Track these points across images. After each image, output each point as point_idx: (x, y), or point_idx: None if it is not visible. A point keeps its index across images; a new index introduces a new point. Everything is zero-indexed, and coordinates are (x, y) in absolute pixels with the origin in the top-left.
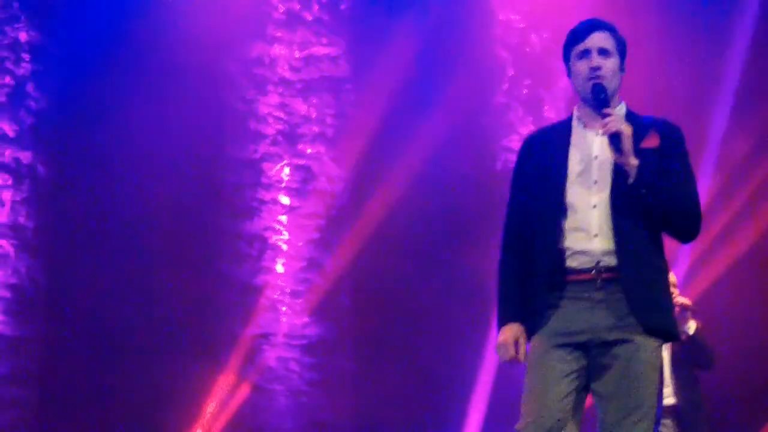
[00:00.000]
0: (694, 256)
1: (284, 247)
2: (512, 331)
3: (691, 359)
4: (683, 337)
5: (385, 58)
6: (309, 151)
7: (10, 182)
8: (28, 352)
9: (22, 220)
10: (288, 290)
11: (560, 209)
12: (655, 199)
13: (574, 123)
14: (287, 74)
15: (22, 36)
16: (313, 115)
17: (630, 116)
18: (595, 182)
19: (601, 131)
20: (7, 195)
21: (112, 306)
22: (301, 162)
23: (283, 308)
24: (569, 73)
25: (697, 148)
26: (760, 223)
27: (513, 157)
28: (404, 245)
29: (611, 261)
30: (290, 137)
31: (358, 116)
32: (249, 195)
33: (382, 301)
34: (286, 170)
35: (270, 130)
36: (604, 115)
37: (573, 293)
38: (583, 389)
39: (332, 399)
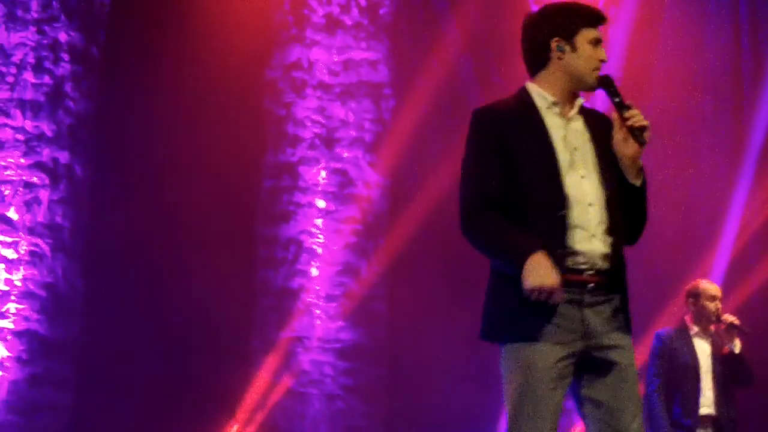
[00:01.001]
0: (734, 266)
1: (320, 251)
2: (547, 262)
3: (733, 376)
4: (726, 350)
5: (425, 63)
6: (346, 155)
7: (47, 182)
8: (63, 352)
9: (59, 219)
10: (323, 294)
11: (562, 203)
12: (643, 205)
13: (541, 105)
14: (326, 78)
15: (62, 36)
16: (351, 120)
17: (584, 109)
18: (582, 177)
19: (627, 122)
20: (45, 194)
21: (147, 308)
22: (339, 166)
23: (318, 312)
24: (560, 49)
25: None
26: None
27: None
28: (441, 254)
29: (603, 264)
30: (328, 141)
31: (397, 121)
32: (286, 198)
33: (416, 308)
34: (323, 174)
35: (308, 134)
36: (623, 107)
37: (567, 295)
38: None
39: (366, 404)
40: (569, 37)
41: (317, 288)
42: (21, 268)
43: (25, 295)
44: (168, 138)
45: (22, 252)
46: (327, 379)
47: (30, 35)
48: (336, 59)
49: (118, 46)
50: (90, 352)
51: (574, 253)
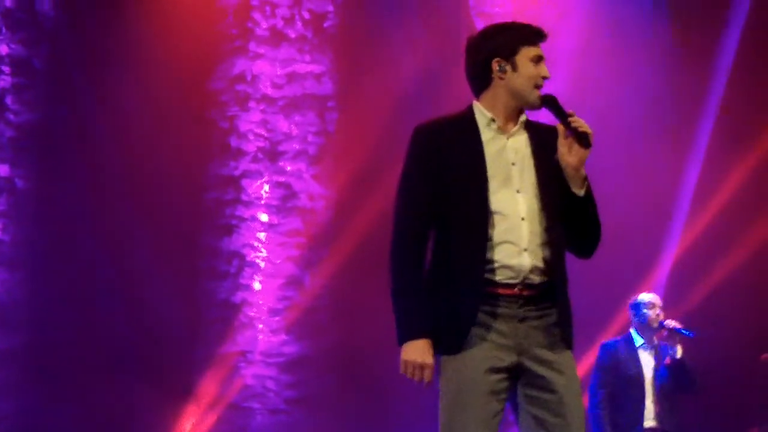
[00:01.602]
0: (677, 277)
1: (263, 264)
2: (428, 346)
3: (676, 384)
4: (667, 360)
5: (369, 76)
6: (290, 168)
7: None
8: (5, 363)
9: None
10: (266, 308)
11: (486, 219)
12: (592, 212)
13: (481, 123)
14: (269, 91)
15: (3, 49)
16: (295, 133)
17: (531, 124)
18: (518, 191)
19: (572, 125)
20: None
21: (90, 321)
22: (282, 179)
23: (261, 326)
24: (501, 69)
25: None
26: (747, 243)
27: None
28: (384, 264)
29: (535, 278)
30: (271, 154)
31: (340, 134)
32: (228, 211)
33: (360, 319)
34: (266, 187)
35: (251, 147)
36: (568, 115)
37: (497, 309)
38: (503, 404)
39: (310, 417)
40: (509, 56)
41: (260, 301)
42: None
43: None
44: (111, 150)
45: None
46: (270, 393)
47: None
48: (280, 72)
49: (62, 57)
50: (33, 363)
51: (505, 268)
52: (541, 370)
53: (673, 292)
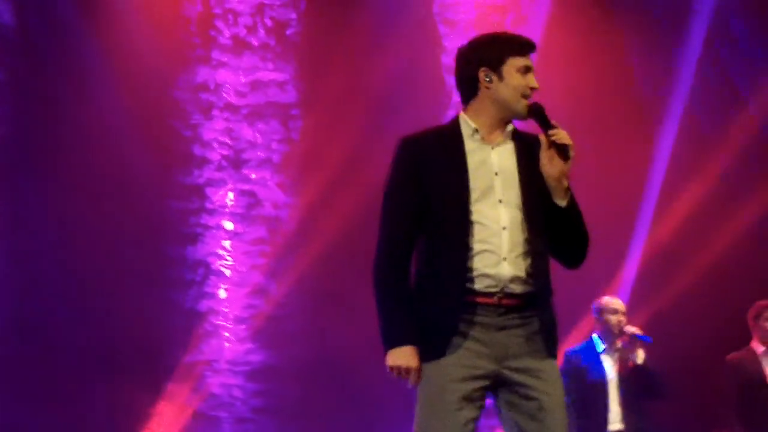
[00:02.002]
0: (638, 281)
1: (228, 272)
2: (414, 352)
3: (640, 388)
4: (630, 365)
5: (332, 84)
6: (254, 176)
7: None
8: None
9: None
10: (232, 316)
11: (467, 228)
12: (577, 223)
13: (466, 134)
14: (233, 99)
15: None
16: (259, 141)
17: (518, 134)
18: (500, 201)
19: (553, 139)
20: None
21: (54, 332)
22: (246, 187)
23: (227, 334)
24: (488, 78)
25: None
26: (712, 246)
27: None
28: (349, 272)
29: (516, 287)
30: (235, 162)
31: (304, 142)
32: (193, 220)
33: (326, 327)
34: (231, 195)
35: (215, 156)
36: (551, 127)
37: (477, 317)
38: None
39: (277, 426)
40: (496, 66)
41: (226, 310)
42: None
43: None
44: (75, 160)
45: None
46: (237, 402)
47: None
48: (243, 80)
49: (23, 69)
50: None
51: (484, 276)
52: (520, 378)
53: (639, 295)
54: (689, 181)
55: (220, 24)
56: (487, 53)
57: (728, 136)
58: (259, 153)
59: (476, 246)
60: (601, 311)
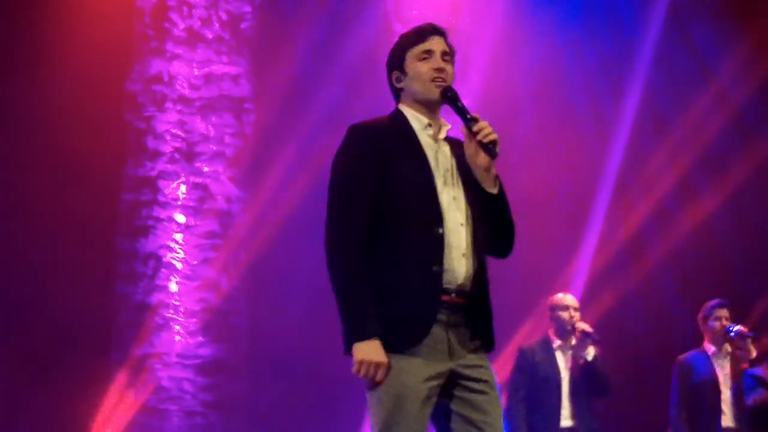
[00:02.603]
0: (593, 276)
1: (179, 265)
2: (380, 346)
3: (588, 385)
4: (581, 362)
5: (286, 78)
6: (206, 169)
7: None
8: None
9: None
10: (182, 309)
11: (438, 223)
12: (506, 211)
13: (417, 127)
14: (186, 92)
15: None
16: (212, 134)
17: (447, 137)
18: (454, 198)
19: (477, 137)
20: None
21: (3, 323)
22: (199, 180)
23: (178, 328)
24: (397, 80)
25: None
26: (658, 247)
27: None
28: (300, 266)
29: (467, 284)
30: (188, 155)
31: (257, 136)
32: (145, 212)
33: (276, 321)
34: (183, 188)
35: (168, 148)
36: (470, 120)
37: (439, 315)
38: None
39: (226, 420)
40: (400, 65)
41: (176, 303)
42: None
43: None
44: (26, 149)
45: None
46: (186, 396)
47: None
48: (197, 73)
49: None
50: None
51: (448, 271)
52: (471, 373)
53: (592, 291)
54: (645, 172)
55: (174, 16)
56: (392, 57)
57: (684, 122)
58: (212, 146)
59: (446, 241)
60: (554, 308)
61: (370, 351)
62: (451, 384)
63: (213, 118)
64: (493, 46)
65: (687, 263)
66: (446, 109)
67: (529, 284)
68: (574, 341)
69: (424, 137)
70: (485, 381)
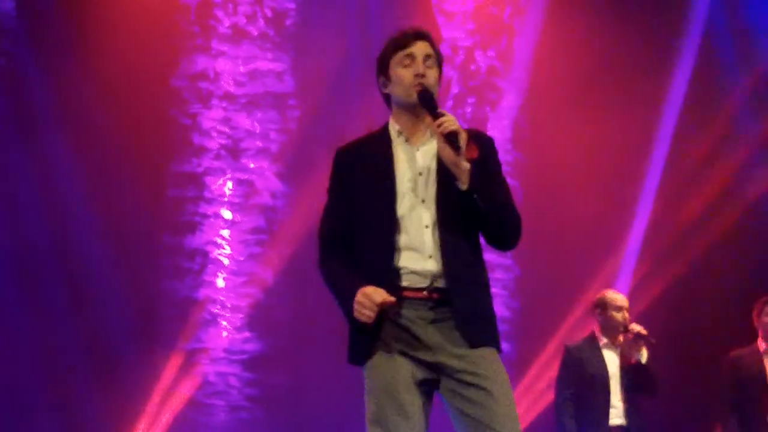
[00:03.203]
0: (638, 274)
1: (225, 261)
2: (366, 287)
3: (638, 386)
4: (632, 362)
5: (331, 74)
6: (252, 165)
7: None
8: None
9: None
10: (229, 305)
11: (393, 228)
12: (487, 205)
13: (393, 136)
14: (231, 89)
15: None
16: (257, 130)
17: None
18: (423, 201)
19: (438, 131)
20: None
21: (50, 318)
22: (244, 176)
23: (224, 323)
24: (383, 85)
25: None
26: (709, 239)
27: None
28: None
29: (442, 282)
30: (233, 151)
31: (302, 131)
32: (191, 209)
33: (323, 317)
34: (229, 184)
35: (213, 144)
36: (437, 116)
37: (410, 312)
38: (429, 400)
39: (271, 415)
40: (385, 71)
41: (223, 299)
42: None
43: None
44: (72, 147)
45: None
46: (232, 391)
47: None
48: (242, 69)
49: (22, 55)
50: None
51: (411, 273)
52: (460, 365)
53: (635, 288)
54: (691, 159)
55: (219, 13)
56: (378, 63)
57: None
58: (257, 142)
59: (402, 244)
60: (605, 307)
61: (366, 298)
62: (445, 378)
63: (258, 114)
64: (535, 41)
65: (740, 254)
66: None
67: (572, 280)
68: (621, 340)
69: (399, 145)
70: (478, 372)
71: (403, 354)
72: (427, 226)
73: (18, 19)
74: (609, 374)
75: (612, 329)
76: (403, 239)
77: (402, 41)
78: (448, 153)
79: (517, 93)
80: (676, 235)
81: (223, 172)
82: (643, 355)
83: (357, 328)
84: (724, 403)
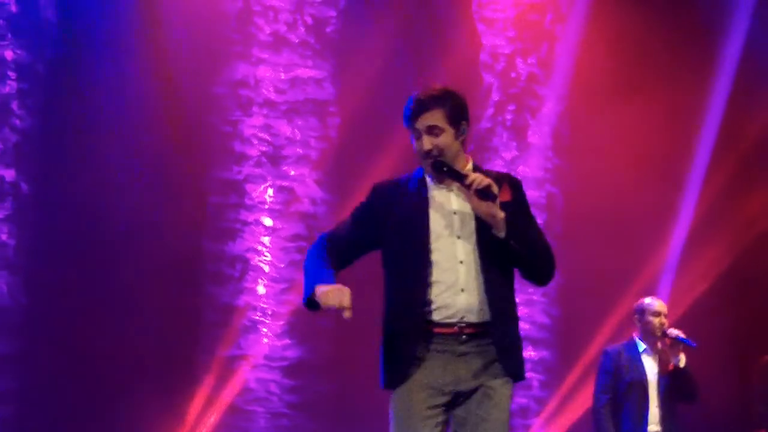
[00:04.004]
0: (679, 280)
1: (266, 268)
2: (325, 285)
3: (677, 391)
4: (670, 367)
5: (370, 81)
6: (292, 172)
7: None
8: (7, 370)
9: (4, 237)
10: (269, 312)
11: (425, 264)
12: (524, 249)
13: (428, 178)
14: (272, 96)
15: (8, 54)
16: (297, 137)
17: (478, 171)
18: (458, 237)
19: (472, 188)
20: None
21: (92, 324)
22: (285, 183)
23: (264, 330)
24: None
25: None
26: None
27: None
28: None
29: (473, 317)
30: (274, 159)
31: (342, 139)
32: (232, 216)
33: (361, 322)
34: (270, 191)
35: (254, 152)
36: (462, 179)
37: (436, 345)
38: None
39: (311, 421)
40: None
41: (263, 305)
42: None
43: None
44: (114, 154)
45: None
46: (273, 397)
47: None
48: (282, 77)
49: (63, 62)
50: (33, 368)
51: (443, 308)
52: (474, 395)
53: (676, 294)
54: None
55: (260, 21)
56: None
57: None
58: (297, 149)
59: (434, 280)
60: (643, 312)
61: (324, 287)
62: (458, 407)
63: (298, 122)
64: (576, 48)
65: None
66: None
67: (612, 286)
68: (659, 345)
69: (434, 188)
70: (485, 402)
71: (428, 387)
72: (461, 262)
73: (59, 27)
74: (648, 380)
75: (650, 335)
76: (435, 274)
77: (406, 118)
78: (483, 206)
79: (558, 100)
80: (718, 240)
81: (264, 180)
82: (682, 359)
83: (388, 355)
84: (764, 405)
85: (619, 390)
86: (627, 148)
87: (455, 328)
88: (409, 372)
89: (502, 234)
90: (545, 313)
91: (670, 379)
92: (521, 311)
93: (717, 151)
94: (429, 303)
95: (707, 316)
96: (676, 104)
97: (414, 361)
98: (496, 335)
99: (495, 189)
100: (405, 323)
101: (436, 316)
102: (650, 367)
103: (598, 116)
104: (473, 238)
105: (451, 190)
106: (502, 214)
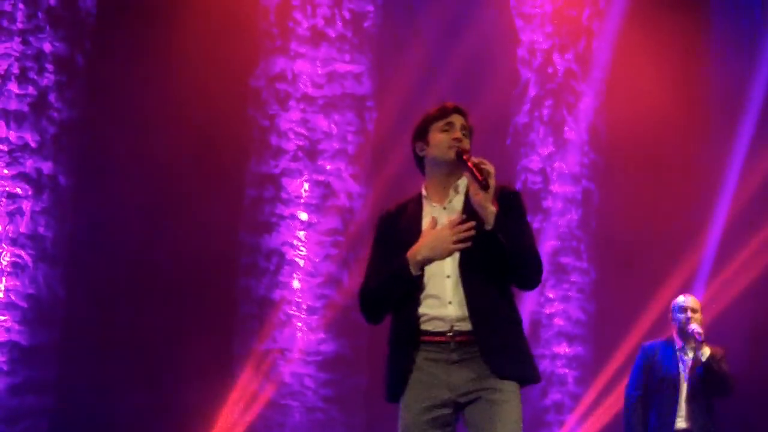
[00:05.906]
0: (715, 275)
1: (302, 262)
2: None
3: (707, 385)
4: (698, 363)
5: (408, 76)
6: (329, 167)
7: (30, 192)
8: (45, 360)
9: (41, 230)
10: (305, 306)
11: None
12: (510, 245)
13: (424, 200)
14: (309, 90)
15: (47, 46)
16: (334, 132)
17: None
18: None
19: (478, 173)
20: (27, 205)
21: (129, 316)
22: (321, 178)
23: (300, 324)
24: (420, 149)
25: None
26: None
27: (533, 178)
28: None
29: (464, 326)
30: (311, 153)
31: (379, 134)
32: (268, 209)
33: None
34: (306, 186)
35: (291, 146)
36: (478, 169)
37: (430, 354)
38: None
39: (346, 415)
40: (424, 136)
41: (299, 300)
42: (3, 279)
43: (7, 306)
44: (152, 147)
45: (5, 263)
46: (308, 391)
47: (15, 45)
48: (320, 71)
49: (102, 54)
50: (71, 359)
51: (434, 319)
52: (480, 394)
53: (712, 289)
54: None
55: (298, 15)
56: (417, 129)
57: None
58: (334, 144)
59: (424, 294)
60: (673, 309)
61: (420, 252)
62: (467, 408)
63: (335, 116)
64: (614, 43)
65: None
66: None
67: (648, 282)
68: (693, 342)
69: (428, 206)
70: (493, 400)
71: (425, 398)
72: (448, 276)
73: (98, 19)
74: (679, 377)
75: (682, 332)
76: (426, 289)
77: (443, 112)
78: (480, 196)
79: (595, 95)
80: (754, 238)
81: (300, 174)
82: (704, 353)
83: (390, 369)
84: None
85: (651, 385)
86: (664, 146)
87: (446, 336)
88: (406, 384)
89: (489, 226)
90: (581, 309)
91: (701, 375)
92: (556, 307)
93: (752, 150)
94: (420, 316)
95: (744, 314)
96: (715, 100)
97: (410, 374)
98: (480, 342)
99: (493, 181)
100: (402, 337)
101: (428, 327)
102: (684, 364)
103: (635, 112)
104: (457, 254)
105: (444, 208)
106: (494, 208)
